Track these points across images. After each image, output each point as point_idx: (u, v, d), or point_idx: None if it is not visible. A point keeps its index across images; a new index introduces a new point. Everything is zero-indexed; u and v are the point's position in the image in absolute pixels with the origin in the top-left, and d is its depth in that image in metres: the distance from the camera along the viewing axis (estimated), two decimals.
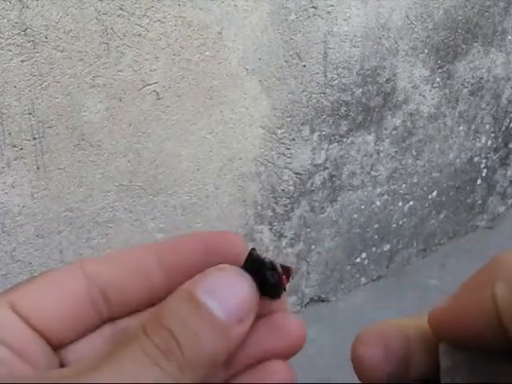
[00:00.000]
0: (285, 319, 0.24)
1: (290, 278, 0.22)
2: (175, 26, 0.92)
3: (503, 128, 1.57)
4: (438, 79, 1.32)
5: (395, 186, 1.38)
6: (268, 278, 0.22)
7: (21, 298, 0.22)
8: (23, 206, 0.89)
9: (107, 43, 0.87)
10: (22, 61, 0.81)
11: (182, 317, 0.20)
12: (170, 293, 0.23)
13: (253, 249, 0.23)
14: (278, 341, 0.24)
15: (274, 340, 0.24)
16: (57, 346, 0.23)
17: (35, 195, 0.89)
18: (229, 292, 0.21)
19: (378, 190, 1.34)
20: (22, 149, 0.85)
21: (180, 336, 0.20)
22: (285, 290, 0.22)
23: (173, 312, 0.20)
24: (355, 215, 1.33)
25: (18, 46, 0.80)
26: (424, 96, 1.32)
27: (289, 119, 1.12)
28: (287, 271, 0.22)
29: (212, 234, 0.24)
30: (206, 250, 0.24)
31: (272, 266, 0.22)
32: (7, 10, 0.78)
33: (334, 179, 1.25)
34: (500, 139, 1.57)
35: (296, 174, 1.18)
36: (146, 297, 0.24)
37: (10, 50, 0.80)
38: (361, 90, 1.19)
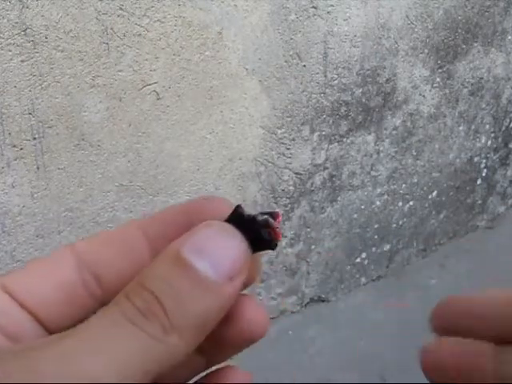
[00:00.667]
0: (250, 304, 0.22)
1: (280, 224, 0.21)
2: (175, 26, 0.92)
3: (503, 128, 1.57)
4: (438, 79, 1.32)
5: (395, 186, 1.38)
6: (263, 236, 0.21)
7: (14, 282, 0.22)
8: (23, 206, 0.89)
9: (107, 43, 0.87)
10: (22, 61, 0.81)
11: (166, 277, 0.19)
12: None
13: (238, 205, 0.22)
14: (239, 326, 0.22)
15: (235, 324, 0.22)
16: (51, 331, 0.22)
17: (35, 195, 0.89)
18: (218, 249, 0.20)
19: (378, 190, 1.34)
20: (22, 149, 0.85)
21: (163, 296, 0.18)
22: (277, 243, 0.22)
23: (157, 273, 0.19)
24: (355, 215, 1.33)
25: (18, 46, 0.80)
26: (424, 96, 1.32)
27: (289, 119, 1.12)
28: (276, 218, 0.21)
29: (196, 201, 0.23)
30: (191, 218, 0.22)
31: (264, 223, 0.21)
32: (7, 10, 0.78)
33: (333, 179, 1.25)
34: (500, 139, 1.57)
35: (296, 174, 1.18)
36: (135, 269, 0.22)
37: (10, 50, 0.80)
38: (361, 90, 1.19)
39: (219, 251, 0.20)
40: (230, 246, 0.20)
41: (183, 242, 0.20)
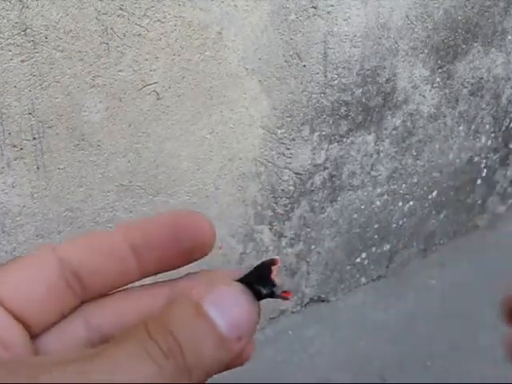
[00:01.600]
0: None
1: (278, 269, 0.24)
2: (175, 26, 0.92)
3: (503, 128, 1.57)
4: (438, 79, 1.32)
5: (395, 186, 1.38)
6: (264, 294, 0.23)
7: None
8: (23, 206, 0.89)
9: (107, 43, 0.87)
10: (22, 61, 0.81)
11: (187, 323, 0.21)
12: (142, 273, 0.25)
13: (244, 277, 0.24)
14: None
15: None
16: (33, 332, 0.23)
17: (35, 195, 0.89)
18: (233, 309, 0.22)
19: (378, 190, 1.34)
20: (22, 149, 0.85)
21: (183, 341, 0.20)
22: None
23: (177, 316, 0.21)
24: (355, 215, 1.33)
25: (18, 46, 0.80)
26: (424, 96, 1.32)
27: (289, 119, 1.12)
28: (274, 264, 0.24)
29: (180, 214, 0.24)
30: (174, 230, 0.24)
31: (272, 294, 0.23)
32: (7, 10, 0.78)
33: (333, 179, 1.25)
34: (500, 139, 1.57)
35: (296, 174, 1.18)
36: (119, 278, 0.24)
37: (10, 50, 0.80)
38: (361, 90, 1.19)
39: (236, 312, 0.22)
40: (247, 309, 0.22)
41: (204, 295, 0.22)
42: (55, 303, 0.23)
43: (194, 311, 0.21)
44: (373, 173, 1.31)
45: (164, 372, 0.19)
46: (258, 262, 0.24)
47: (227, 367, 0.23)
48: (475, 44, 1.36)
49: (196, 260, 0.25)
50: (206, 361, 0.20)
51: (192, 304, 0.21)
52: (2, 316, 0.22)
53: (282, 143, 1.13)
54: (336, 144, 1.21)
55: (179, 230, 0.24)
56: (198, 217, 0.24)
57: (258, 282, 0.23)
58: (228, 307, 0.21)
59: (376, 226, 1.38)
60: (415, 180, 1.41)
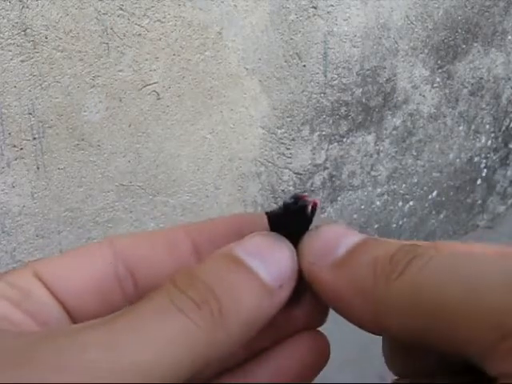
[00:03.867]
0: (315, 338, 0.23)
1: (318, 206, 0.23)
2: (175, 26, 0.92)
3: (503, 128, 1.57)
4: (438, 79, 1.32)
5: (395, 186, 1.38)
6: (307, 215, 0.22)
7: (47, 269, 0.21)
8: (23, 206, 0.89)
9: (107, 43, 0.87)
10: (22, 61, 0.81)
11: (221, 272, 0.19)
12: None
13: (266, 213, 0.22)
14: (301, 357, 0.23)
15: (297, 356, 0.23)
16: (74, 318, 0.22)
17: (35, 195, 0.89)
18: (271, 256, 0.20)
19: (378, 189, 1.34)
20: (22, 149, 0.85)
21: (218, 289, 0.18)
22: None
23: (209, 267, 0.19)
24: (355, 215, 1.33)
25: (18, 46, 0.80)
26: (424, 96, 1.32)
27: (289, 119, 1.12)
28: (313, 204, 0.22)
29: (245, 216, 0.23)
30: (238, 232, 0.22)
31: (298, 204, 0.22)
32: (7, 10, 0.78)
33: (333, 179, 1.25)
34: (500, 139, 1.57)
35: (296, 174, 1.18)
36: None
37: (10, 50, 0.80)
38: (361, 90, 1.19)
39: (273, 257, 0.20)
40: (283, 255, 0.20)
41: (236, 245, 0.20)
42: (100, 295, 0.22)
43: (227, 259, 0.19)
44: (373, 173, 1.31)
45: (197, 325, 0.17)
46: (287, 200, 0.22)
47: (293, 327, 0.21)
48: (475, 44, 1.36)
49: None
50: (246, 310, 0.18)
51: (224, 254, 0.19)
52: (43, 295, 0.21)
53: (282, 143, 1.13)
54: (336, 144, 1.21)
55: (243, 230, 0.22)
56: (263, 220, 0.22)
57: (295, 225, 0.21)
58: (265, 254, 0.20)
59: (376, 226, 1.38)
60: (415, 180, 1.41)
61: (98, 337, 0.17)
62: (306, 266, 0.21)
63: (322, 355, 0.23)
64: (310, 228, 0.22)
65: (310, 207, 0.22)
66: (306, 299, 0.22)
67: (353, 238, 0.21)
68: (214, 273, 0.19)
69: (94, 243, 0.23)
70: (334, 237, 0.21)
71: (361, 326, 0.21)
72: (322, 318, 0.23)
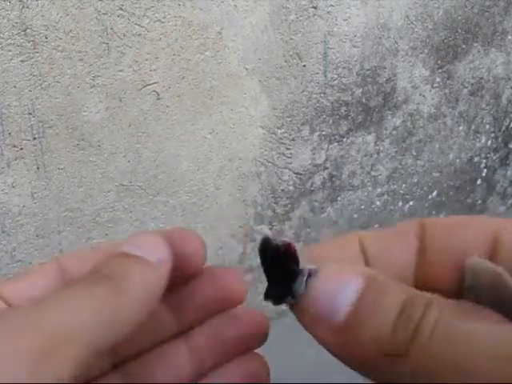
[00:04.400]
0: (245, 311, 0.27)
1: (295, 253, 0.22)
2: (175, 26, 0.92)
3: (503, 128, 1.57)
4: (438, 79, 1.32)
5: (395, 186, 1.38)
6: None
7: (7, 287, 0.25)
8: (23, 206, 0.89)
9: (107, 43, 0.87)
10: (22, 61, 0.81)
11: (109, 261, 0.24)
12: None
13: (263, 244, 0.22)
14: (237, 329, 0.27)
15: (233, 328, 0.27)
16: None
17: (35, 195, 0.89)
18: (145, 242, 0.25)
19: (378, 189, 1.34)
20: (22, 149, 0.85)
21: (107, 270, 0.23)
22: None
23: (99, 263, 0.24)
24: (355, 215, 1.33)
25: (17, 46, 0.80)
26: (424, 96, 1.32)
27: (289, 119, 1.12)
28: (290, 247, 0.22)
29: (172, 232, 0.27)
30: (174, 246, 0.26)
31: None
32: (7, 10, 0.78)
33: (333, 179, 1.25)
34: (500, 139, 1.57)
35: (296, 174, 1.18)
36: None
37: (10, 50, 0.80)
38: (361, 90, 1.19)
39: (146, 243, 0.25)
40: (159, 244, 0.25)
41: (120, 247, 0.25)
42: None
43: (111, 254, 0.24)
44: (373, 173, 1.31)
45: (96, 294, 0.21)
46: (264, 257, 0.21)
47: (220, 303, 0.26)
48: (475, 44, 1.36)
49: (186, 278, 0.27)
50: (137, 279, 0.23)
51: (109, 253, 0.24)
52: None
53: (282, 143, 1.13)
54: (336, 144, 1.21)
55: (172, 248, 0.26)
56: (190, 236, 0.27)
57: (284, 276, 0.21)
58: (141, 244, 0.24)
59: (376, 226, 1.38)
60: (415, 180, 1.41)
61: (28, 312, 0.21)
62: (308, 319, 0.22)
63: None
64: (301, 267, 0.21)
65: (282, 249, 0.21)
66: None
67: (353, 287, 0.21)
68: (107, 262, 0.24)
69: (43, 263, 0.27)
70: (334, 290, 0.21)
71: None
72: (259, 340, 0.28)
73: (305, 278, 0.21)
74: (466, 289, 0.20)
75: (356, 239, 0.25)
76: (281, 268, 0.21)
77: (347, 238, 0.25)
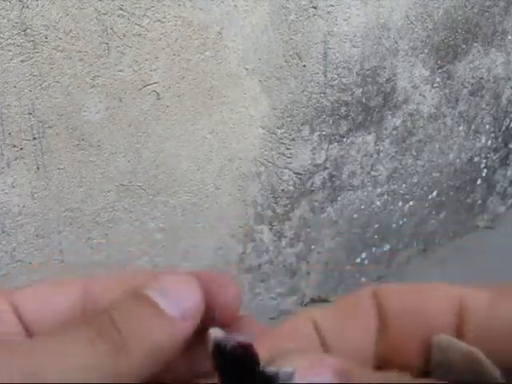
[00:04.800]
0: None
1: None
2: (175, 26, 0.92)
3: (503, 128, 1.57)
4: (438, 79, 1.32)
5: (395, 186, 1.38)
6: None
7: (21, 297, 0.23)
8: (23, 206, 0.89)
9: (107, 43, 0.87)
10: (22, 61, 0.81)
11: (126, 306, 0.21)
12: None
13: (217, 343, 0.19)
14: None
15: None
16: None
17: (35, 195, 0.89)
18: (175, 291, 0.22)
19: (378, 189, 1.34)
20: (22, 149, 0.85)
21: (118, 319, 0.20)
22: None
23: (118, 302, 0.21)
24: (355, 215, 1.33)
25: (17, 46, 0.80)
26: (424, 96, 1.32)
27: (289, 119, 1.12)
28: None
29: (207, 276, 0.24)
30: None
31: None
32: (7, 10, 0.78)
33: (333, 179, 1.25)
34: (500, 139, 1.57)
35: (296, 174, 1.18)
36: None
37: (10, 50, 0.80)
38: (361, 90, 1.19)
39: (176, 292, 0.22)
40: (186, 289, 0.22)
41: (147, 284, 0.22)
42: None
43: (134, 295, 0.21)
44: (373, 173, 1.31)
45: (98, 350, 0.19)
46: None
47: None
48: (475, 44, 1.36)
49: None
50: (147, 338, 0.20)
51: (134, 291, 0.22)
52: (9, 318, 0.23)
53: (282, 143, 1.13)
54: (336, 144, 1.21)
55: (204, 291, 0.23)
56: (222, 280, 0.24)
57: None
58: (169, 289, 0.22)
59: (376, 225, 1.38)
60: (415, 180, 1.41)
61: (18, 356, 0.19)
62: None
63: None
64: (271, 371, 0.18)
65: (240, 351, 0.18)
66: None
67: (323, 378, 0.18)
68: (119, 307, 0.21)
69: (67, 280, 0.25)
70: None
71: None
72: None
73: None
74: (433, 365, 0.20)
75: (307, 319, 0.22)
76: (241, 372, 0.18)
77: (297, 319, 0.22)
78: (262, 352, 0.18)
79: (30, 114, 0.84)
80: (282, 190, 1.17)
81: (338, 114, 1.18)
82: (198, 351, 0.23)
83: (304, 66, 1.09)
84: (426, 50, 1.27)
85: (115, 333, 0.20)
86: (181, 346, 0.21)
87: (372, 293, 0.22)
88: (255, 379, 0.17)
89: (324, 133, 1.18)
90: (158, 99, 0.94)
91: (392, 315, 0.21)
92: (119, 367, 0.20)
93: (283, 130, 1.12)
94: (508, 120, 1.57)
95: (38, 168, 0.88)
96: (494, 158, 1.59)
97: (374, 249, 1.42)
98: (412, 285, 0.22)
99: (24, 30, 0.79)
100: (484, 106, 1.47)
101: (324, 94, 1.14)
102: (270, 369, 0.17)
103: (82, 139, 0.90)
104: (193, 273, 0.23)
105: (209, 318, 0.23)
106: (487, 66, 1.42)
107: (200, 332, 0.22)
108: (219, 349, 0.18)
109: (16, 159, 0.85)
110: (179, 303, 0.21)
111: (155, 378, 0.21)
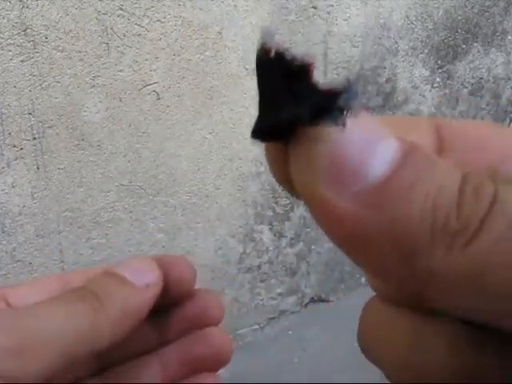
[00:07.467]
0: (214, 333, 0.29)
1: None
2: (175, 26, 0.92)
3: None
4: (438, 79, 1.32)
5: None
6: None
7: (12, 292, 0.27)
8: (23, 206, 0.89)
9: (107, 43, 0.87)
10: (22, 61, 0.81)
11: (99, 280, 0.26)
12: None
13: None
14: (204, 350, 0.29)
15: (201, 348, 0.29)
16: None
17: (35, 195, 0.89)
18: (138, 266, 0.27)
19: None
20: (22, 149, 0.85)
21: (94, 288, 0.25)
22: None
23: (91, 280, 0.26)
24: None
25: (18, 46, 0.80)
26: (424, 96, 1.32)
27: None
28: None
29: (164, 258, 0.28)
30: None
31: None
32: (7, 10, 0.78)
33: None
34: None
35: None
36: None
37: (10, 50, 0.80)
38: (361, 91, 1.19)
39: (139, 267, 0.27)
40: (150, 268, 0.27)
41: (115, 266, 0.27)
42: None
43: (103, 273, 0.26)
44: None
45: (81, 309, 0.24)
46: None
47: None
48: (475, 44, 1.36)
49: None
50: (119, 300, 0.25)
51: (103, 272, 0.27)
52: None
53: None
54: None
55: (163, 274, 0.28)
56: (180, 261, 0.29)
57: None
58: (133, 267, 0.27)
59: None
60: None
61: (8, 313, 0.24)
62: (308, 180, 0.14)
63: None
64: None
65: (299, 62, 0.13)
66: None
67: (390, 146, 0.14)
68: (94, 281, 0.26)
69: (50, 275, 0.30)
70: (362, 141, 0.14)
71: (380, 290, 0.17)
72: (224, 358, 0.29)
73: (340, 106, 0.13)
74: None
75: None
76: (293, 84, 0.13)
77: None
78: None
79: (30, 113, 0.84)
80: (282, 190, 1.17)
81: None
82: (156, 324, 0.29)
83: None
84: (426, 50, 1.27)
85: (93, 297, 0.24)
86: (146, 311, 0.26)
87: (433, 120, 0.18)
88: (307, 95, 0.13)
89: None
90: (158, 99, 0.94)
91: (451, 147, 0.18)
92: (99, 325, 0.24)
93: None
94: (508, 120, 1.57)
95: (38, 168, 0.88)
96: None
97: None
98: (477, 124, 0.19)
99: (24, 30, 0.79)
100: (484, 105, 1.47)
101: None
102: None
103: (82, 139, 0.90)
104: (152, 256, 0.29)
105: (167, 295, 0.28)
106: (487, 66, 1.42)
107: (157, 309, 0.27)
108: (276, 57, 0.13)
109: (16, 159, 0.85)
110: (142, 276, 0.26)
111: (122, 347, 0.26)
